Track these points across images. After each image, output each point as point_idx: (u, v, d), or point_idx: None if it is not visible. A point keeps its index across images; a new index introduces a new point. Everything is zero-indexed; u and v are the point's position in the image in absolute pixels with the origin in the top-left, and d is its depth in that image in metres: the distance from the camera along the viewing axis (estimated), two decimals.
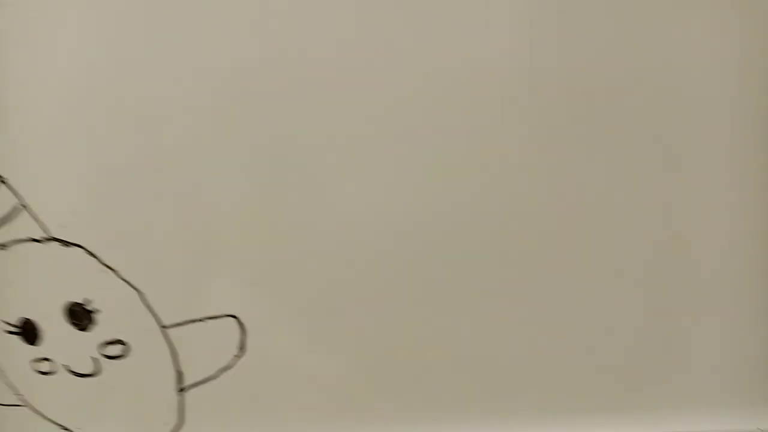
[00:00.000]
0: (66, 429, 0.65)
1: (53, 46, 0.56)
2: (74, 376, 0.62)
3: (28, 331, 0.62)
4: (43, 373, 0.63)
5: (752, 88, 0.51)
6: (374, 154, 0.55)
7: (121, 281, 0.57)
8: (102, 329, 0.59)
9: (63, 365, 0.62)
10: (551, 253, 0.55)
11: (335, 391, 0.57)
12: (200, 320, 0.57)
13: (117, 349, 0.60)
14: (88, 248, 0.57)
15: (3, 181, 0.57)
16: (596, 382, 0.55)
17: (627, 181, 0.54)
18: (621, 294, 0.55)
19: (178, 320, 0.57)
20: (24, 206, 0.57)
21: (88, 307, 0.59)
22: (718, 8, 0.51)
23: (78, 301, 0.59)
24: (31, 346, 0.62)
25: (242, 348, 0.57)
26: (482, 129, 0.54)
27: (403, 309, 0.56)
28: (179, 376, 0.59)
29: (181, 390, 0.59)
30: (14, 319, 0.62)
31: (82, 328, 0.60)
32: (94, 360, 0.60)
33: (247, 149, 0.55)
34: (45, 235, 0.58)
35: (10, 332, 0.62)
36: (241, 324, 0.56)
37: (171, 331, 0.58)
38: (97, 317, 0.59)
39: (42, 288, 0.60)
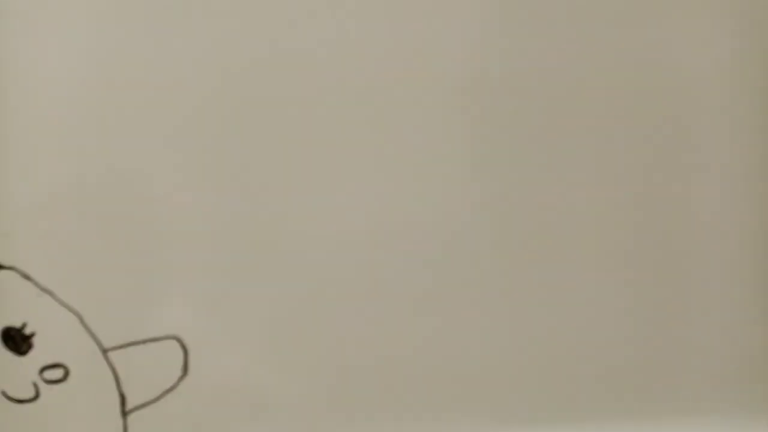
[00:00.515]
0: None
1: None
2: (12, 402, 0.59)
3: None
4: None
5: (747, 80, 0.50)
6: (326, 167, 0.54)
7: (59, 305, 0.55)
8: (40, 353, 0.57)
9: (2, 391, 0.59)
10: (543, 255, 0.54)
11: (286, 413, 0.56)
12: (142, 342, 0.55)
13: (57, 373, 0.57)
14: (23, 271, 0.55)
15: None
16: (592, 387, 0.55)
17: (625, 181, 0.53)
18: (617, 297, 0.54)
19: (120, 342, 0.55)
20: None
21: (25, 332, 0.56)
22: (717, 7, 0.50)
23: (14, 326, 0.56)
24: None
25: (185, 369, 0.55)
26: (473, 128, 0.53)
27: (362, 324, 0.55)
28: (122, 399, 0.57)
29: (125, 413, 0.58)
30: None
31: (20, 353, 0.57)
32: (33, 385, 0.58)
33: (193, 166, 0.54)
34: None
35: None
36: (183, 345, 0.54)
37: (113, 354, 0.56)
38: (36, 341, 0.57)
39: None
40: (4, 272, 0.55)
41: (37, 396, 0.59)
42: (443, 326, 0.54)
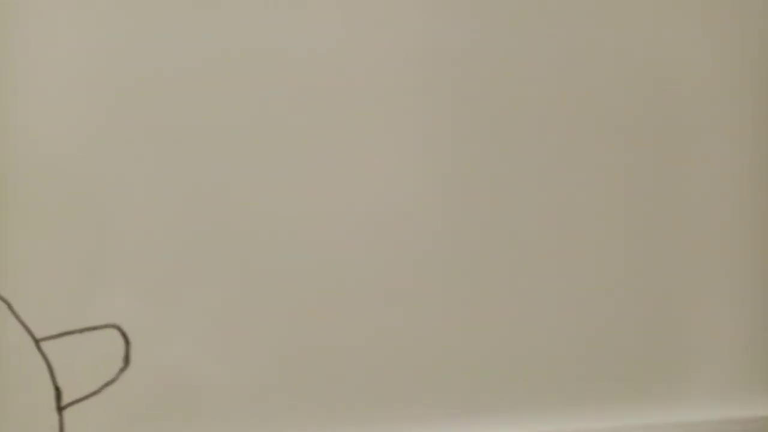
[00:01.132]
0: None
1: None
2: None
3: None
4: None
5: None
6: (277, 152, 0.51)
7: None
8: None
9: None
10: (547, 248, 0.53)
11: (232, 401, 0.52)
12: (79, 331, 0.51)
13: None
14: None
15: None
16: (599, 374, 0.53)
17: (626, 176, 0.52)
18: (622, 287, 0.53)
19: (54, 332, 0.51)
20: None
21: None
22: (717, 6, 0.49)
23: None
24: None
25: (127, 360, 0.51)
26: (468, 123, 0.51)
27: (298, 309, 0.52)
28: (58, 393, 0.53)
29: (60, 408, 0.53)
30: None
31: None
32: None
33: (145, 152, 0.50)
34: None
35: None
36: (124, 335, 0.50)
37: (46, 345, 0.51)
38: None
39: None
40: None
41: None
42: (431, 318, 0.52)
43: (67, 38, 0.48)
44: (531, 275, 0.50)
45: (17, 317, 0.51)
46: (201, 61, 0.47)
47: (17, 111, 0.50)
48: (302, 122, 0.48)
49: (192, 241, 0.50)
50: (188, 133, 0.48)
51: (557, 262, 0.50)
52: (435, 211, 0.48)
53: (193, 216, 0.50)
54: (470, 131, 0.48)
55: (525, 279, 0.50)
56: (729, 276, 0.50)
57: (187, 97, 0.48)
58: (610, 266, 0.50)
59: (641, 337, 0.51)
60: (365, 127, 0.48)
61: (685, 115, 0.49)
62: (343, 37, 0.46)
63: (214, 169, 0.49)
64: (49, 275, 0.51)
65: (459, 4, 0.46)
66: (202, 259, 0.50)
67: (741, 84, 0.49)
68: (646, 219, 0.50)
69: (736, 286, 0.51)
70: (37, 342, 0.51)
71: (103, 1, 0.48)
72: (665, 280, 0.51)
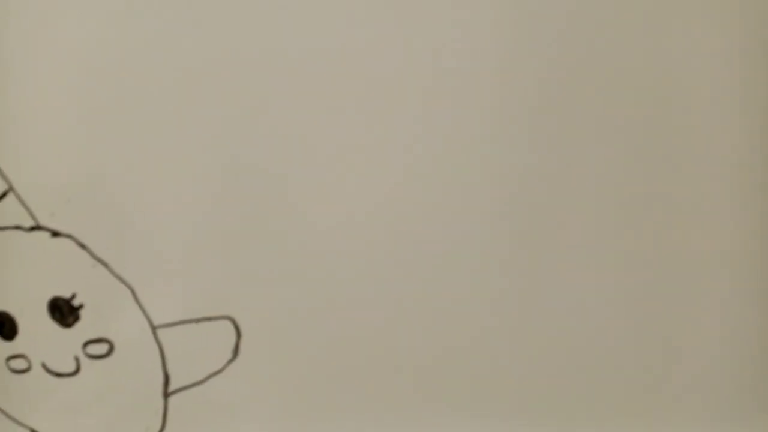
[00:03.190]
0: (34, 431, 0.60)
1: (51, 28, 0.52)
2: (52, 376, 0.57)
3: (4, 325, 0.56)
4: (18, 371, 0.57)
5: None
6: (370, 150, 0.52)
7: (113, 277, 0.53)
8: (87, 326, 0.54)
9: (41, 363, 0.57)
10: (546, 257, 0.52)
11: (342, 398, 0.53)
12: (194, 321, 0.52)
13: (101, 348, 0.55)
14: (80, 239, 0.52)
15: None
16: (593, 385, 0.52)
17: (627, 180, 0.51)
18: (618, 296, 0.52)
19: (171, 320, 0.53)
20: (11, 190, 0.52)
21: (74, 303, 0.54)
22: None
23: (63, 296, 0.54)
24: (7, 342, 0.57)
25: (236, 352, 0.52)
26: (472, 124, 0.51)
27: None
28: (166, 379, 0.55)
29: (167, 394, 0.55)
30: None
31: (66, 325, 0.55)
32: (76, 359, 0.56)
33: (251, 147, 0.52)
34: (33, 224, 0.53)
35: None
36: (237, 327, 0.52)
37: (162, 332, 0.53)
38: (84, 313, 0.54)
39: (25, 279, 0.55)
40: (60, 240, 0.53)
41: (77, 370, 0.56)
42: (444, 324, 0.52)
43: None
44: (536, 277, 0.49)
45: (138, 303, 0.53)
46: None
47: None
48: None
49: (303, 240, 0.52)
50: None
51: (560, 270, 0.49)
52: (436, 211, 0.49)
53: (308, 213, 0.51)
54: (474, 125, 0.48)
55: (530, 281, 0.49)
56: (735, 288, 0.49)
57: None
58: (610, 279, 0.49)
59: (643, 351, 0.50)
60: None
61: (686, 111, 0.48)
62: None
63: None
64: (168, 264, 0.53)
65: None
66: (313, 257, 0.51)
67: (742, 79, 0.48)
68: (649, 222, 0.49)
69: (742, 300, 0.49)
70: (153, 329, 0.53)
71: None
72: (666, 290, 0.50)
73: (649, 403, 0.51)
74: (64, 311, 0.54)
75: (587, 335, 0.51)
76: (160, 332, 0.53)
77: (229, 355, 0.53)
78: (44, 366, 0.57)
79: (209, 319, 0.52)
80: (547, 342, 0.52)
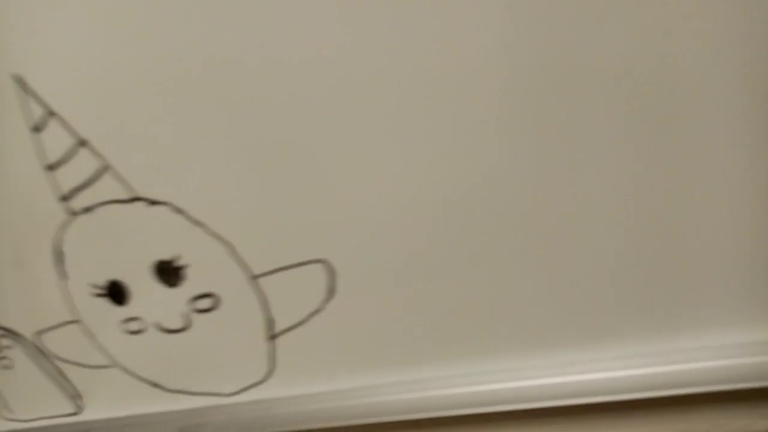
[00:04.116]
0: (157, 385, 0.65)
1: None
2: (165, 333, 0.61)
3: (116, 293, 0.61)
4: (134, 333, 0.62)
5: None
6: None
7: (210, 236, 0.56)
8: (191, 284, 0.58)
9: (153, 323, 0.61)
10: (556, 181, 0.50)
11: (421, 333, 0.56)
12: (290, 267, 0.56)
13: (207, 302, 0.59)
14: (176, 205, 0.56)
15: (84, 144, 0.56)
16: (607, 306, 0.53)
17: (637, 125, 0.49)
18: (629, 219, 0.51)
19: (268, 269, 0.56)
20: (107, 167, 0.56)
21: (177, 264, 0.58)
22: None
23: (166, 259, 0.58)
24: (120, 307, 0.61)
25: (332, 291, 0.56)
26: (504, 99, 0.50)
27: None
28: (270, 323, 0.58)
29: (272, 337, 0.59)
30: (102, 281, 0.61)
31: (172, 285, 0.59)
32: (184, 315, 0.60)
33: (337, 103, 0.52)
34: (130, 195, 0.56)
35: (98, 295, 0.62)
36: (330, 268, 0.55)
37: (261, 281, 0.57)
38: (186, 272, 0.58)
39: (130, 248, 0.59)
40: (157, 207, 0.56)
41: (188, 326, 0.60)
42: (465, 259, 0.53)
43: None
44: (542, 210, 0.50)
45: (236, 257, 0.57)
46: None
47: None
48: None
49: (387, 186, 0.53)
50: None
51: (566, 197, 0.50)
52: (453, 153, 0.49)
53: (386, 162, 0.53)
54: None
55: (536, 214, 0.50)
56: (731, 202, 0.48)
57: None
58: (614, 198, 0.49)
59: (647, 268, 0.50)
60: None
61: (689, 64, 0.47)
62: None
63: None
64: (260, 218, 0.55)
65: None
66: (394, 201, 0.53)
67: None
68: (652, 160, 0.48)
69: (740, 213, 0.48)
70: (253, 278, 0.57)
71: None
72: (669, 209, 0.49)
73: (654, 318, 0.52)
74: (169, 272, 0.58)
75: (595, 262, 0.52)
76: (261, 281, 0.57)
77: (324, 295, 0.56)
78: (158, 325, 0.61)
79: (303, 263, 0.56)
80: (556, 273, 0.52)
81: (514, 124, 0.49)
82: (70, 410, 0.69)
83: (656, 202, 0.49)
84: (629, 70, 0.47)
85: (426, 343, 0.57)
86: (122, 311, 0.62)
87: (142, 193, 0.56)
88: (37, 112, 0.56)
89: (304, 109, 0.51)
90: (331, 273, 0.55)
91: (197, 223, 0.56)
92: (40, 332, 0.66)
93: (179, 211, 0.56)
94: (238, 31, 0.50)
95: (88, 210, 0.58)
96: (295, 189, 0.54)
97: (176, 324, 0.61)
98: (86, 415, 0.68)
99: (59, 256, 0.61)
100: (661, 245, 0.50)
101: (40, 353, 0.67)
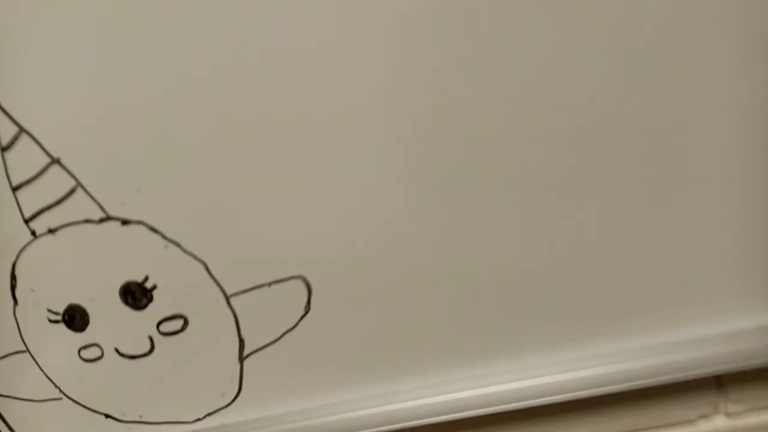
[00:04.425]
0: (109, 416, 0.62)
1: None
2: (125, 359, 0.60)
3: (74, 317, 0.59)
4: (89, 360, 0.60)
5: None
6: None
7: (186, 255, 0.56)
8: (160, 306, 0.58)
9: (112, 349, 0.59)
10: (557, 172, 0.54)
11: (398, 346, 0.58)
12: (267, 285, 0.57)
13: (175, 324, 0.58)
14: (150, 224, 0.56)
15: (57, 161, 0.54)
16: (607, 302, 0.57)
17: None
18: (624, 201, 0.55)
19: (243, 287, 0.57)
20: (78, 187, 0.55)
21: (147, 285, 0.57)
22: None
23: (136, 280, 0.57)
24: (77, 333, 0.59)
25: (308, 307, 0.57)
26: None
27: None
28: (241, 344, 0.59)
29: (243, 358, 0.59)
30: (61, 305, 0.58)
31: (139, 307, 0.58)
32: (148, 339, 0.59)
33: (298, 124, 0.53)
34: (101, 216, 0.56)
35: (54, 321, 0.59)
36: (308, 284, 0.57)
37: (236, 300, 0.57)
38: (155, 294, 0.57)
39: (95, 270, 0.57)
40: (131, 227, 0.56)
41: (151, 350, 0.59)
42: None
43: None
44: (542, 201, 0.55)
45: (212, 276, 0.57)
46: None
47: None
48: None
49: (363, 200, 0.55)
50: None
51: (567, 188, 0.55)
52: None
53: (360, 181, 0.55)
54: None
55: (536, 205, 0.55)
56: (731, 192, 0.54)
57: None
58: (613, 193, 0.54)
59: (648, 263, 0.56)
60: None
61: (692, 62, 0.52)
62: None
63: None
64: (234, 236, 0.56)
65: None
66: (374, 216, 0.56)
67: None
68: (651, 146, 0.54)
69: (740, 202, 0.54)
70: (227, 298, 0.57)
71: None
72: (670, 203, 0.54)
73: (649, 304, 0.56)
74: (137, 294, 0.57)
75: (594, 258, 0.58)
76: (234, 300, 0.57)
77: (301, 311, 0.57)
78: (117, 351, 0.59)
79: (281, 280, 0.57)
80: (556, 268, 0.57)
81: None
82: None
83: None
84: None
85: (395, 357, 0.59)
86: (79, 338, 0.59)
87: (113, 213, 0.56)
88: (7, 130, 0.54)
89: (276, 128, 0.53)
90: (309, 289, 0.57)
91: (172, 242, 0.56)
92: None
93: (154, 230, 0.56)
94: (212, 50, 0.52)
95: (51, 231, 0.56)
96: (272, 205, 0.55)
97: (139, 349, 0.59)
98: None
99: (14, 280, 0.58)
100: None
101: None
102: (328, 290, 0.57)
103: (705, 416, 0.61)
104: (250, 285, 0.57)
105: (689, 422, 0.62)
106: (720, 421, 0.61)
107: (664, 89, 0.52)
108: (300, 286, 0.57)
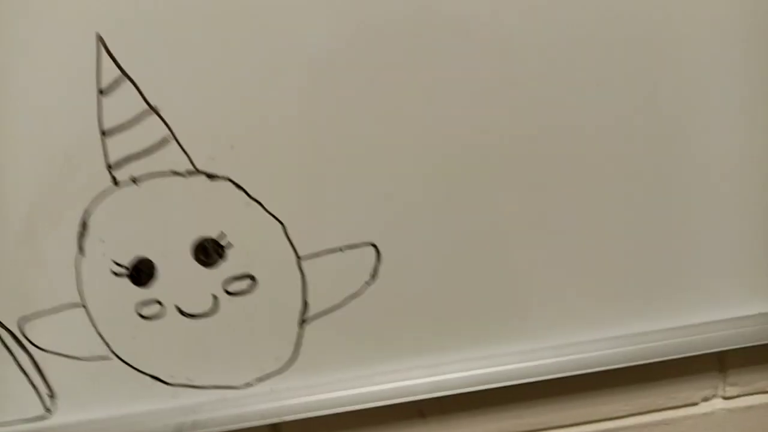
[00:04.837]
0: (157, 378, 0.61)
1: None
2: (186, 318, 0.60)
3: (141, 272, 0.59)
4: (147, 318, 0.59)
5: None
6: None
7: (266, 214, 0.58)
8: (231, 265, 0.59)
9: (174, 306, 0.59)
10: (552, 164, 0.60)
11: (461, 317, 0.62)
12: (339, 249, 0.59)
13: (243, 284, 0.59)
14: (237, 181, 0.57)
15: (154, 110, 0.56)
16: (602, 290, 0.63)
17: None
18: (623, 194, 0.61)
19: (316, 250, 0.59)
20: (173, 136, 0.56)
21: (221, 242, 0.58)
22: None
23: (211, 236, 0.58)
24: (141, 288, 0.59)
25: (375, 275, 0.60)
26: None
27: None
28: (305, 307, 0.60)
29: (303, 322, 0.61)
30: (129, 258, 0.58)
31: (208, 264, 0.59)
32: (214, 297, 0.59)
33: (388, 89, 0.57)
34: (191, 168, 0.57)
35: (119, 274, 0.59)
36: (378, 251, 0.60)
37: (306, 263, 0.59)
38: (230, 252, 0.58)
39: (171, 224, 0.58)
40: (217, 183, 0.57)
41: (214, 310, 0.60)
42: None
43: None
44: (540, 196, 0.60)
45: (288, 238, 0.59)
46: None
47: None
48: None
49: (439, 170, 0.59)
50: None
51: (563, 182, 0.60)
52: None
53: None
54: None
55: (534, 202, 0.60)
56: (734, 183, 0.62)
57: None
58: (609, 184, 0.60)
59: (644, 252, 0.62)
60: None
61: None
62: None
63: None
64: (314, 199, 0.58)
65: None
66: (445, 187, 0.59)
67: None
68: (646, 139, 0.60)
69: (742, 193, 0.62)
70: (299, 259, 0.59)
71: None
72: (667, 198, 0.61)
73: (654, 294, 0.63)
74: (209, 250, 0.58)
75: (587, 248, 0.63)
76: (305, 263, 0.59)
77: (366, 278, 0.60)
78: (179, 309, 0.60)
79: (352, 246, 0.60)
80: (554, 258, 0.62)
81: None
82: (38, 413, 0.62)
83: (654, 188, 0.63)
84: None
85: (445, 331, 0.63)
86: (141, 293, 0.59)
87: (202, 167, 0.57)
88: (109, 73, 0.55)
89: (359, 98, 0.57)
90: (379, 257, 0.60)
91: (255, 200, 0.58)
92: (25, 318, 0.59)
93: (239, 187, 0.57)
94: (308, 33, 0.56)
95: (134, 181, 0.57)
96: (350, 173, 0.58)
97: (202, 308, 0.60)
98: (57, 419, 0.62)
99: (84, 229, 0.58)
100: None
101: (17, 344, 0.60)
102: (397, 261, 0.60)
103: (706, 399, 0.69)
104: (324, 248, 0.59)
105: (693, 404, 0.69)
106: (718, 403, 0.69)
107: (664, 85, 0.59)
108: (371, 253, 0.60)
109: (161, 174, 0.57)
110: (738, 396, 0.69)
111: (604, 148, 0.60)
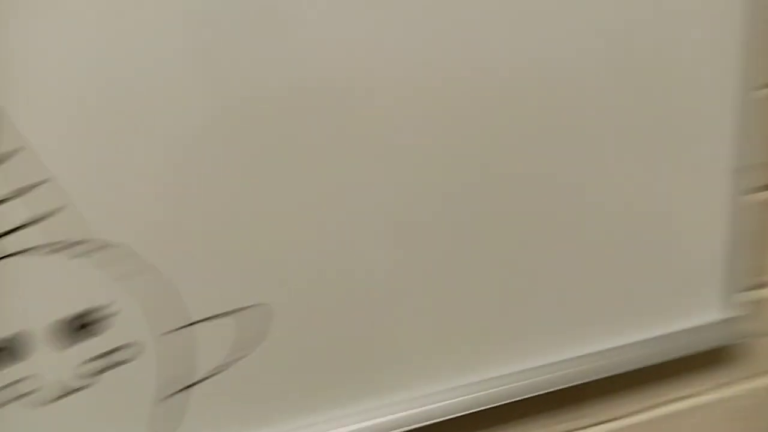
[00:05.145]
0: None
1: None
2: (62, 395, 0.55)
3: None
4: (24, 396, 0.54)
5: None
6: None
7: (158, 279, 0.56)
8: (113, 334, 0.56)
9: (48, 384, 0.55)
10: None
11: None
12: (230, 312, 0.59)
13: (125, 354, 0.57)
14: (130, 248, 0.55)
15: (43, 182, 0.52)
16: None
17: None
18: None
19: (207, 315, 0.59)
20: (63, 207, 0.53)
21: (101, 314, 0.55)
22: None
23: (89, 307, 0.55)
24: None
25: (265, 335, 0.61)
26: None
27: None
28: (190, 372, 0.59)
29: (185, 388, 0.60)
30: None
31: (86, 337, 0.55)
32: (77, 377, 0.56)
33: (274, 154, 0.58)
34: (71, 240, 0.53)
35: None
36: (269, 311, 0.60)
37: (197, 327, 0.59)
38: (111, 321, 0.56)
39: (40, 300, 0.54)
40: (113, 250, 0.54)
41: (83, 386, 0.56)
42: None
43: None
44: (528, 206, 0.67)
45: (180, 300, 0.58)
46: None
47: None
48: None
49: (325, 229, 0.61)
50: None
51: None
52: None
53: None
54: None
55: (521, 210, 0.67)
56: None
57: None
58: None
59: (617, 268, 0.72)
60: None
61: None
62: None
63: None
64: (203, 264, 0.57)
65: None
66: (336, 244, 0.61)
67: None
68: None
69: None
70: (188, 325, 0.58)
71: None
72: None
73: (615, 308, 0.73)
74: (77, 327, 0.55)
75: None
76: (194, 327, 0.58)
77: (259, 339, 0.61)
78: (54, 385, 0.55)
79: (243, 309, 0.60)
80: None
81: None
82: None
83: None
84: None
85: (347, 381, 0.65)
86: (15, 370, 0.54)
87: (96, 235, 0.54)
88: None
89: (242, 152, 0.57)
90: (270, 317, 0.61)
91: (148, 266, 0.56)
92: None
93: (132, 254, 0.55)
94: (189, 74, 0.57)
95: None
96: (238, 230, 0.58)
97: (78, 383, 0.56)
98: None
99: None
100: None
101: None
102: (289, 320, 0.61)
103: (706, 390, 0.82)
104: (216, 312, 0.59)
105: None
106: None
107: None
108: (261, 313, 0.61)
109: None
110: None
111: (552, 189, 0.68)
